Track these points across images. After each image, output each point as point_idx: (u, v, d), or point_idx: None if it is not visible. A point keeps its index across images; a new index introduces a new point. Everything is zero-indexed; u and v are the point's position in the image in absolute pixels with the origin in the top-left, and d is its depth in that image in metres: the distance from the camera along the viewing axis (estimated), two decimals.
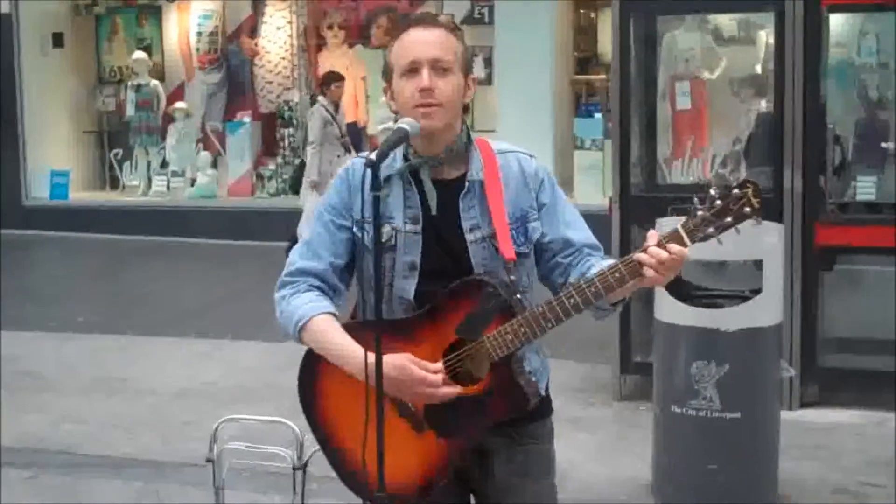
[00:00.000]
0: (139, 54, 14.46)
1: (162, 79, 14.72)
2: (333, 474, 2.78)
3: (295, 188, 13.42)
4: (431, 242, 2.67)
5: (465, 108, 2.73)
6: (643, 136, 7.06)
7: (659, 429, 5.13)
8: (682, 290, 4.97)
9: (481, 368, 2.59)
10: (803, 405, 6.28)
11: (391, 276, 2.68)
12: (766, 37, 8.88)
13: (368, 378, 2.47)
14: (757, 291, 5.02)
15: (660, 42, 7.51)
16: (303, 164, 11.63)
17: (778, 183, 6.26)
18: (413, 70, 2.62)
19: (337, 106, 10.89)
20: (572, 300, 2.50)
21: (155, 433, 6.22)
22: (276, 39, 14.36)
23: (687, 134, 7.91)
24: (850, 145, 7.10)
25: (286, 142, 13.88)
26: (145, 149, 14.43)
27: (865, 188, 6.74)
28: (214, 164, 14.26)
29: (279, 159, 13.92)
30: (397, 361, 2.52)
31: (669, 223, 5.22)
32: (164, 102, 14.45)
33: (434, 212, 2.67)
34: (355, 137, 12.43)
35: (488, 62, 12.96)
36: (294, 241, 8.45)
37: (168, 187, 14.10)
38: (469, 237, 2.66)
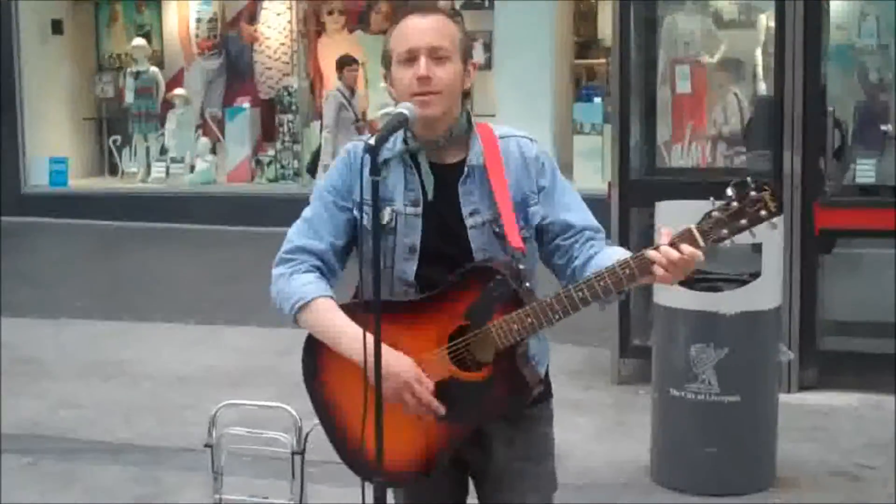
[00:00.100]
0: (138, 41, 14.44)
1: (161, 65, 14.70)
2: (333, 459, 2.78)
3: (297, 173, 13.44)
4: (432, 225, 2.66)
5: (467, 94, 2.71)
6: (643, 120, 7.05)
7: (657, 412, 5.14)
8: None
9: (486, 355, 2.59)
10: (802, 388, 6.28)
11: (392, 259, 2.67)
12: (766, 20, 8.87)
13: (366, 363, 2.46)
14: (756, 275, 5.02)
15: (660, 26, 7.49)
16: (317, 152, 11.61)
17: (777, 166, 6.25)
18: (411, 58, 2.60)
19: (353, 91, 10.86)
20: (581, 293, 2.48)
21: (153, 418, 6.22)
22: (276, 25, 14.32)
23: (687, 118, 7.90)
24: (849, 128, 7.09)
25: (285, 128, 13.86)
26: (144, 135, 14.43)
27: (865, 171, 6.73)
28: (213, 151, 14.25)
29: (278, 145, 13.91)
30: (402, 362, 2.54)
31: (669, 208, 5.24)
32: (163, 89, 14.44)
33: (430, 197, 2.66)
34: None
35: (488, 47, 12.93)
36: None
37: (167, 174, 14.08)
38: (469, 222, 2.65)
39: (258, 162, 13.96)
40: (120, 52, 15.03)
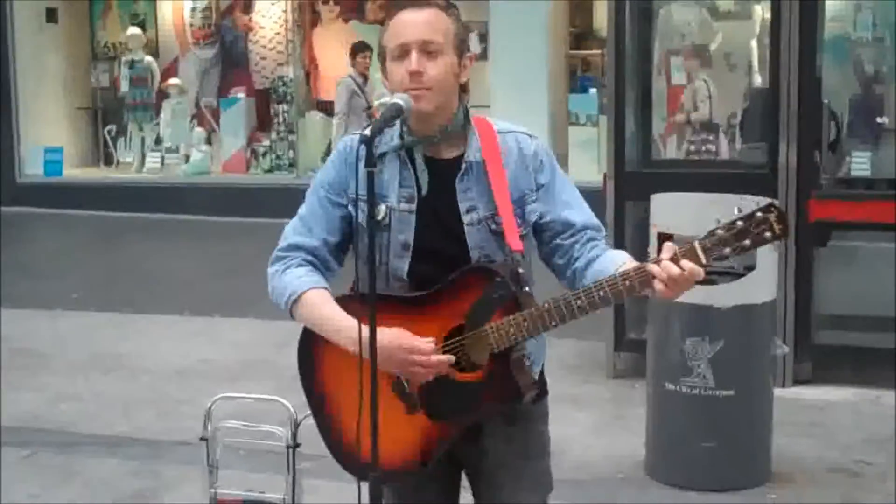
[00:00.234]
0: (133, 30, 14.40)
1: (156, 55, 14.67)
2: (328, 453, 2.78)
3: (292, 164, 13.43)
4: (426, 222, 2.65)
5: (464, 89, 2.70)
6: (638, 111, 7.04)
7: (653, 406, 5.14)
8: None
9: (481, 357, 2.59)
10: (797, 382, 6.29)
11: (386, 255, 2.67)
12: (761, 11, 8.87)
13: (362, 348, 2.45)
14: (751, 268, 5.01)
15: (656, 17, 7.49)
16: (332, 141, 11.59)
17: (773, 158, 6.25)
18: (403, 53, 2.60)
19: (365, 78, 10.83)
20: (579, 301, 2.48)
21: (151, 411, 6.22)
22: (271, 15, 14.29)
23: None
24: (845, 120, 7.10)
25: (280, 118, 13.84)
26: (139, 125, 14.40)
27: (860, 163, 6.74)
28: (209, 141, 14.23)
29: (273, 135, 13.89)
30: (390, 331, 2.52)
31: (664, 199, 5.24)
32: (158, 78, 14.41)
33: (425, 192, 2.65)
34: None
35: (483, 37, 12.91)
36: None
37: (162, 164, 14.07)
38: (466, 218, 2.64)
39: (253, 152, 13.94)
40: (115, 42, 15.00)
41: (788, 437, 5.40)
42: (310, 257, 2.71)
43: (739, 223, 2.39)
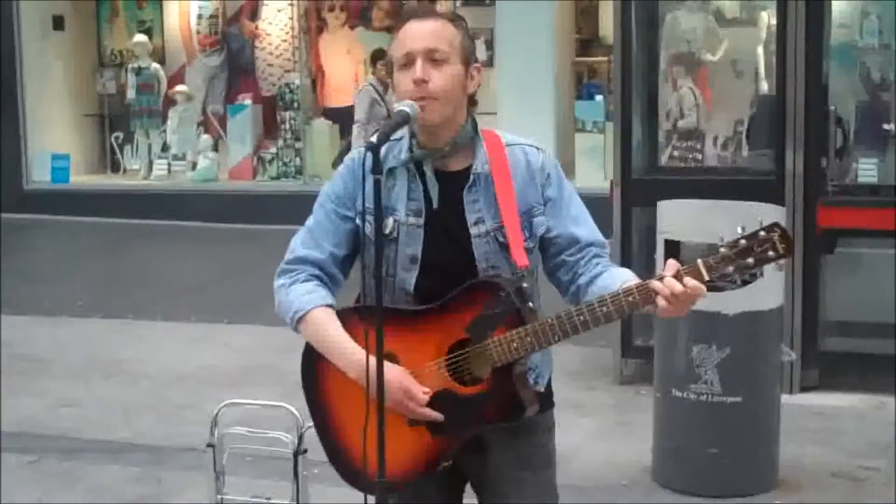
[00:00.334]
0: (140, 37, 14.41)
1: (162, 62, 14.68)
2: None
3: (298, 171, 13.44)
4: (435, 235, 2.64)
5: (473, 101, 2.69)
6: (644, 118, 7.04)
7: (659, 412, 5.13)
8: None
9: (483, 370, 2.58)
10: (804, 389, 6.27)
11: (393, 268, 2.66)
12: (768, 18, 8.87)
13: (369, 371, 2.46)
14: (748, 282, 4.98)
15: (662, 23, 7.48)
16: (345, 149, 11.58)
17: (779, 165, 6.24)
18: (408, 62, 2.60)
19: (386, 86, 10.82)
20: (582, 317, 2.49)
21: (153, 417, 6.22)
22: (277, 22, 14.30)
23: None
24: (851, 127, 7.08)
25: (287, 125, 13.84)
26: (146, 132, 14.40)
27: (867, 170, 6.73)
28: (215, 148, 14.23)
29: (280, 142, 13.88)
30: (394, 368, 2.54)
31: (671, 206, 5.23)
32: (164, 85, 14.40)
33: (436, 205, 2.65)
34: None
35: (489, 44, 12.91)
36: None
37: (169, 171, 14.07)
38: (473, 231, 2.64)
39: (260, 159, 13.95)
40: (121, 48, 15.00)
41: (795, 443, 5.39)
42: (316, 271, 2.71)
43: (743, 242, 2.41)
